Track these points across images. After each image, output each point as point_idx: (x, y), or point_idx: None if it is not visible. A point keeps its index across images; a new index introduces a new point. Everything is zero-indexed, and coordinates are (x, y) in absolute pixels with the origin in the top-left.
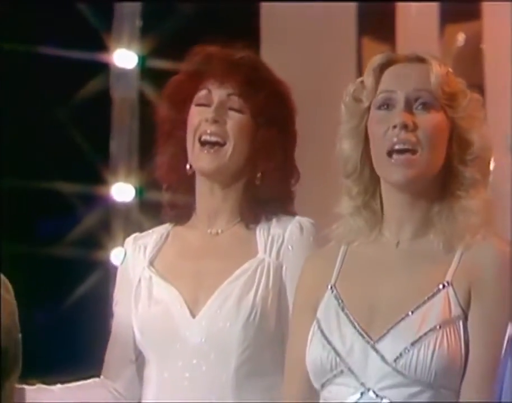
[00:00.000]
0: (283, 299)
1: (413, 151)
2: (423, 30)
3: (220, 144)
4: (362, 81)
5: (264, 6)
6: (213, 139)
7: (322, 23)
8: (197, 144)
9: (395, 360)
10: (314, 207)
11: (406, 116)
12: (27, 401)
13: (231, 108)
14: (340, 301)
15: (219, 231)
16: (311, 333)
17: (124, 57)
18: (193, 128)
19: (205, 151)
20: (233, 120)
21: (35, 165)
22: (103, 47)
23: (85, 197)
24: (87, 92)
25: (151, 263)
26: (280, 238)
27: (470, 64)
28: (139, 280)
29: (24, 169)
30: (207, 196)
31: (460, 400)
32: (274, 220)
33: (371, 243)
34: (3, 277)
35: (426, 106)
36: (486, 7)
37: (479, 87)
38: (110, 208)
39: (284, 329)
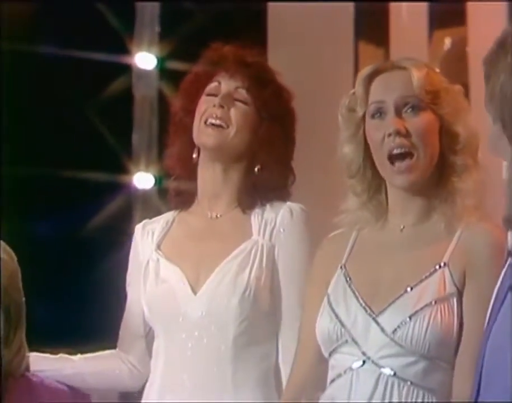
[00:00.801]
0: (276, 276)
1: (411, 155)
2: (414, 35)
3: (223, 127)
4: (354, 93)
5: (271, 6)
6: (218, 122)
7: (322, 26)
8: (202, 124)
9: (393, 332)
10: (316, 198)
11: (398, 123)
12: (48, 368)
13: (237, 99)
14: (348, 278)
15: (218, 215)
16: (321, 306)
17: (145, 59)
18: (200, 113)
19: (210, 129)
20: (238, 109)
21: (64, 155)
22: (126, 50)
23: (109, 185)
24: (111, 91)
25: (158, 246)
26: (273, 221)
27: (456, 65)
28: (148, 262)
29: (55, 159)
30: (209, 178)
31: (456, 368)
32: (267, 206)
33: (378, 229)
34: (3, 243)
35: (414, 109)
36: (471, 14)
37: (464, 85)
38: (132, 195)
39: (276, 304)
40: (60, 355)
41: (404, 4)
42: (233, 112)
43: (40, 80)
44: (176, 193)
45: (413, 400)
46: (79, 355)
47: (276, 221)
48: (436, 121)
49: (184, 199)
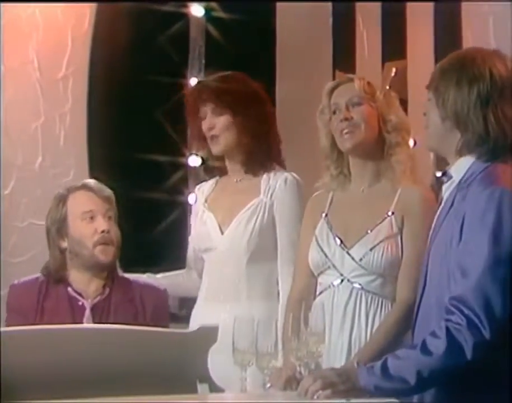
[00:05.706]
0: (274, 223)
1: (353, 128)
2: (372, 66)
3: (216, 136)
4: (324, 104)
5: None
6: (215, 133)
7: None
8: (209, 140)
9: (360, 260)
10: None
11: (346, 113)
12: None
13: (213, 119)
14: (329, 224)
15: (239, 180)
16: (312, 244)
17: (194, 81)
18: (208, 137)
19: (212, 141)
20: (219, 123)
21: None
22: (182, 75)
23: (171, 163)
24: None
25: (206, 200)
26: (274, 186)
27: (400, 85)
28: (198, 211)
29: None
30: (228, 164)
31: (398, 281)
32: (272, 174)
33: (346, 191)
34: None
35: (357, 104)
36: (409, 51)
37: (405, 99)
38: (188, 169)
39: (275, 241)
40: (147, 274)
41: (366, 45)
42: (219, 125)
43: (123, 93)
44: (217, 168)
45: (375, 305)
46: (161, 274)
47: (276, 186)
48: (373, 110)
49: (221, 171)
